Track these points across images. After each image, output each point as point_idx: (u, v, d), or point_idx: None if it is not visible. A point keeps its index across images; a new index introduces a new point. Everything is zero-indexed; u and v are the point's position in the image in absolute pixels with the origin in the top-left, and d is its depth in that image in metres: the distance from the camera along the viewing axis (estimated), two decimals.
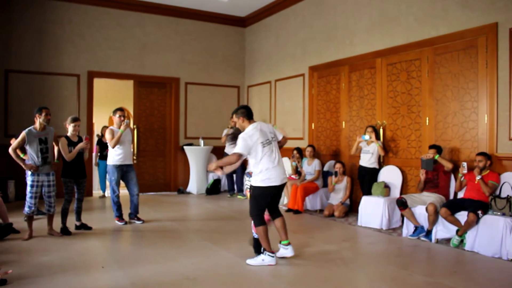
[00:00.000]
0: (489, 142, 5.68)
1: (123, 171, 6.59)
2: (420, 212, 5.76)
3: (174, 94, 10.45)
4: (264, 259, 4.55)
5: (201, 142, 10.19)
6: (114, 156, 6.52)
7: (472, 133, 5.92)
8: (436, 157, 5.84)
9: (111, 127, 6.62)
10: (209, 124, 10.85)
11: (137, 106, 10.23)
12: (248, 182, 5.06)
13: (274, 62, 10.14)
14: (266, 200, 4.65)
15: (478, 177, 5.29)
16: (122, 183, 6.75)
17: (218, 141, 10.39)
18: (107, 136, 6.48)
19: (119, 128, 6.52)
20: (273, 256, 4.56)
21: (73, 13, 9.30)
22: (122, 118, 6.54)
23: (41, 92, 8.94)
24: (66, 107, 9.11)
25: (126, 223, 6.59)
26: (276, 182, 4.58)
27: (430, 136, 6.48)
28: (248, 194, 4.88)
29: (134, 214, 6.74)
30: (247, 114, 4.74)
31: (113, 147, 6.44)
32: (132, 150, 6.83)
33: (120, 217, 6.61)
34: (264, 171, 4.54)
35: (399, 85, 6.99)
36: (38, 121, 5.55)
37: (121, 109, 6.65)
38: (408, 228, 5.91)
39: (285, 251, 4.73)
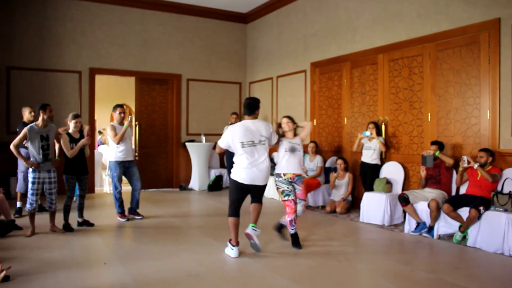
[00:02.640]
0: (491, 138, 5.67)
1: (125, 167, 6.63)
2: (422, 208, 5.75)
3: (176, 91, 10.45)
4: (227, 249, 4.82)
5: (203, 138, 10.19)
6: (117, 152, 6.54)
7: (474, 129, 5.90)
8: (437, 153, 5.83)
9: (111, 123, 6.66)
10: (211, 120, 10.85)
11: (139, 102, 10.23)
12: (278, 183, 5.18)
13: (276, 58, 10.12)
14: (237, 194, 4.83)
15: (475, 165, 5.27)
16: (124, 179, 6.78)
17: (219, 137, 10.35)
18: (110, 132, 6.50)
19: (120, 124, 6.59)
20: (232, 249, 4.73)
21: (74, 10, 9.30)
22: (123, 115, 6.61)
23: (42, 89, 8.94)
24: (67, 104, 9.11)
25: (128, 219, 6.61)
26: (244, 181, 4.76)
27: (432, 132, 6.47)
28: (279, 194, 5.18)
29: (134, 209, 6.78)
30: (244, 109, 4.96)
31: (117, 144, 6.47)
32: (132, 146, 6.86)
33: (122, 213, 6.63)
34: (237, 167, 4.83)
35: (401, 81, 6.97)
36: (42, 117, 5.55)
37: (121, 106, 6.70)
38: (410, 224, 5.91)
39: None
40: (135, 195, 6.76)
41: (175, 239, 5.49)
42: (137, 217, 6.74)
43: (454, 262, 4.68)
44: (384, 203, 6.38)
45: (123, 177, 6.80)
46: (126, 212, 6.75)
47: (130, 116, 6.63)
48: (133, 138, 7.08)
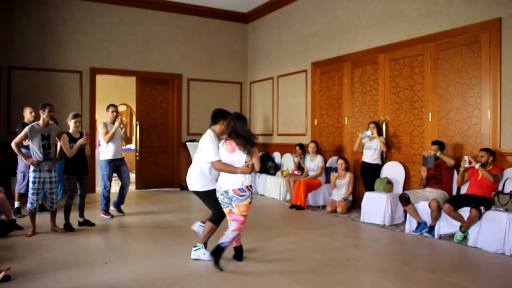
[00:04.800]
0: (492, 138, 5.67)
1: (115, 165, 6.87)
2: (423, 208, 5.75)
3: (177, 91, 10.45)
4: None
5: None
6: (106, 151, 6.82)
7: (475, 129, 5.90)
8: (438, 153, 5.83)
9: (104, 121, 6.90)
10: None
11: (139, 102, 10.24)
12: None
13: (277, 58, 10.12)
14: None
15: (477, 165, 5.27)
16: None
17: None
18: (101, 130, 6.77)
19: (112, 122, 6.87)
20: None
21: (75, 10, 9.30)
22: (115, 113, 6.91)
23: (43, 88, 8.95)
24: (68, 104, 9.12)
25: (112, 216, 6.80)
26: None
27: (433, 132, 6.47)
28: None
29: (118, 205, 7.02)
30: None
31: (107, 142, 6.74)
32: (122, 145, 7.07)
33: (106, 211, 6.84)
34: None
35: (401, 81, 6.97)
36: (42, 117, 5.57)
37: (114, 105, 7.04)
38: (411, 224, 5.91)
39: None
40: (123, 192, 7.02)
41: (176, 239, 5.49)
42: (119, 214, 6.98)
43: (455, 262, 4.68)
44: (385, 203, 6.38)
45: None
46: (111, 207, 7.02)
47: (120, 117, 6.85)
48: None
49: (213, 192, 4.55)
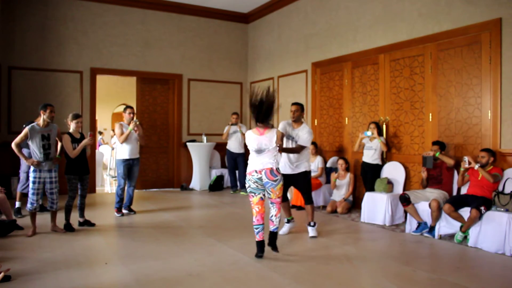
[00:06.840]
0: (492, 138, 5.66)
1: (130, 165, 7.07)
2: (423, 208, 5.75)
3: (177, 91, 10.45)
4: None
5: (204, 138, 10.19)
6: (121, 151, 7.02)
7: (476, 129, 5.90)
8: (437, 154, 5.83)
9: (121, 122, 7.11)
10: (212, 120, 10.86)
11: (140, 102, 10.24)
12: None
13: (277, 58, 10.12)
14: None
15: (476, 166, 5.28)
16: None
17: (221, 137, 10.38)
18: (117, 131, 6.99)
19: (128, 124, 7.07)
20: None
21: (76, 10, 9.30)
22: (132, 115, 7.13)
23: (44, 89, 8.95)
24: (69, 104, 9.12)
25: (122, 215, 6.96)
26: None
27: (433, 132, 6.46)
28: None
29: (127, 205, 7.20)
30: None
31: (122, 143, 6.95)
32: (137, 145, 7.25)
33: (119, 209, 7.00)
34: None
35: (402, 81, 6.96)
36: (42, 117, 5.57)
37: (131, 107, 7.28)
38: (411, 224, 5.91)
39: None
40: (129, 192, 7.21)
41: (176, 239, 5.49)
42: (130, 213, 7.19)
43: (455, 262, 4.68)
44: (385, 203, 6.38)
45: None
46: (123, 210, 7.15)
47: (135, 120, 7.06)
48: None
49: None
